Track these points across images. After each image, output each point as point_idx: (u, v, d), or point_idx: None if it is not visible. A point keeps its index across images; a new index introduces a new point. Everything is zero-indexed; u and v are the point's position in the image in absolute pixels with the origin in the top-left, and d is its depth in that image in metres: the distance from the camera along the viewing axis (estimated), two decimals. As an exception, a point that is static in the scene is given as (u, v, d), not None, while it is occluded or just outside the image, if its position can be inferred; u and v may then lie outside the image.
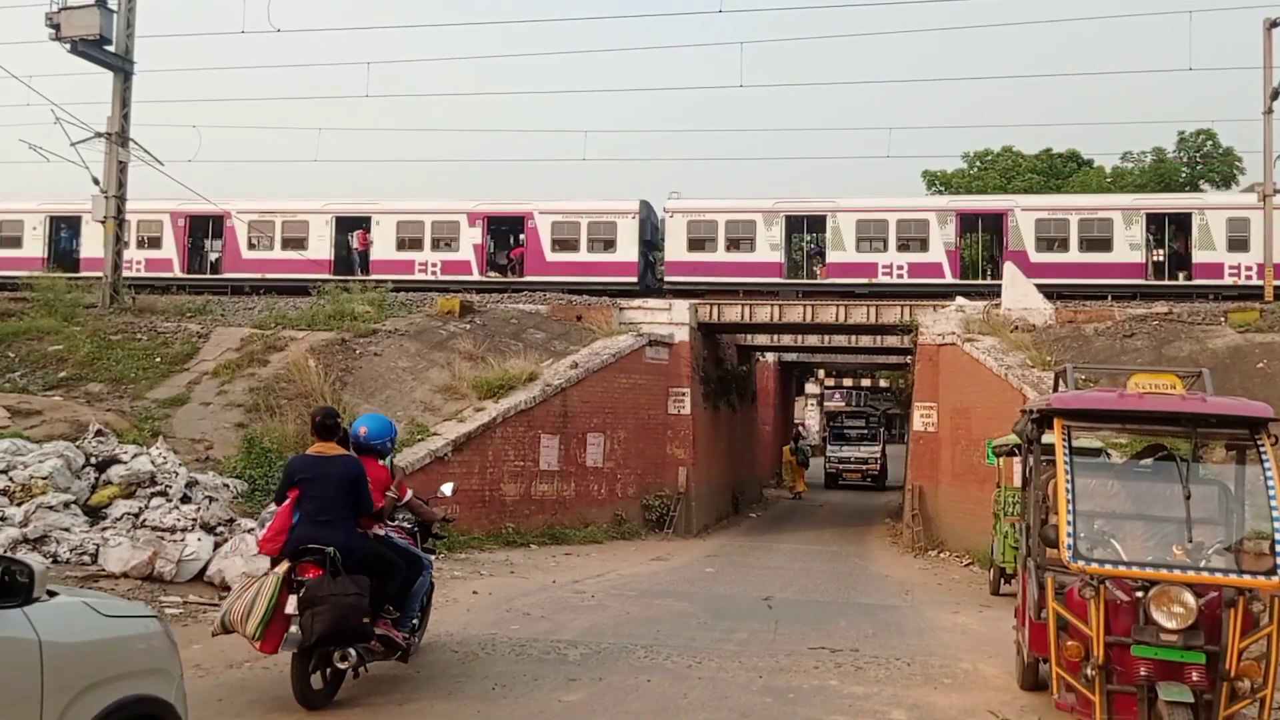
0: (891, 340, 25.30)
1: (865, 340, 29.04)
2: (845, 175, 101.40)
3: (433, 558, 8.19)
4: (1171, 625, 5.47)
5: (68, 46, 20.81)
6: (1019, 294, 21.05)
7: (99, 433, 13.39)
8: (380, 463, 7.60)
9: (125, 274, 24.80)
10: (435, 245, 27.95)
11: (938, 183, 51.40)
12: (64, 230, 30.12)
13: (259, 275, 27.97)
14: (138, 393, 17.73)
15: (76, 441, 13.15)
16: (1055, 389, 7.57)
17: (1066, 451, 5.96)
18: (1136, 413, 6.03)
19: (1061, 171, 50.23)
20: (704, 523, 22.86)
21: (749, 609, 11.65)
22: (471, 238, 27.76)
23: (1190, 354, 17.65)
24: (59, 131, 21.54)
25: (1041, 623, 6.28)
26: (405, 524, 7.82)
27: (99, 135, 22.31)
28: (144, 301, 22.96)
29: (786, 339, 29.74)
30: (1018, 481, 12.66)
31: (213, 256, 29.93)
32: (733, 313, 24.30)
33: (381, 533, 7.41)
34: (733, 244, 26.54)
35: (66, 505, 11.66)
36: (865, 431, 39.65)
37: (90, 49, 21.08)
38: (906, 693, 7.75)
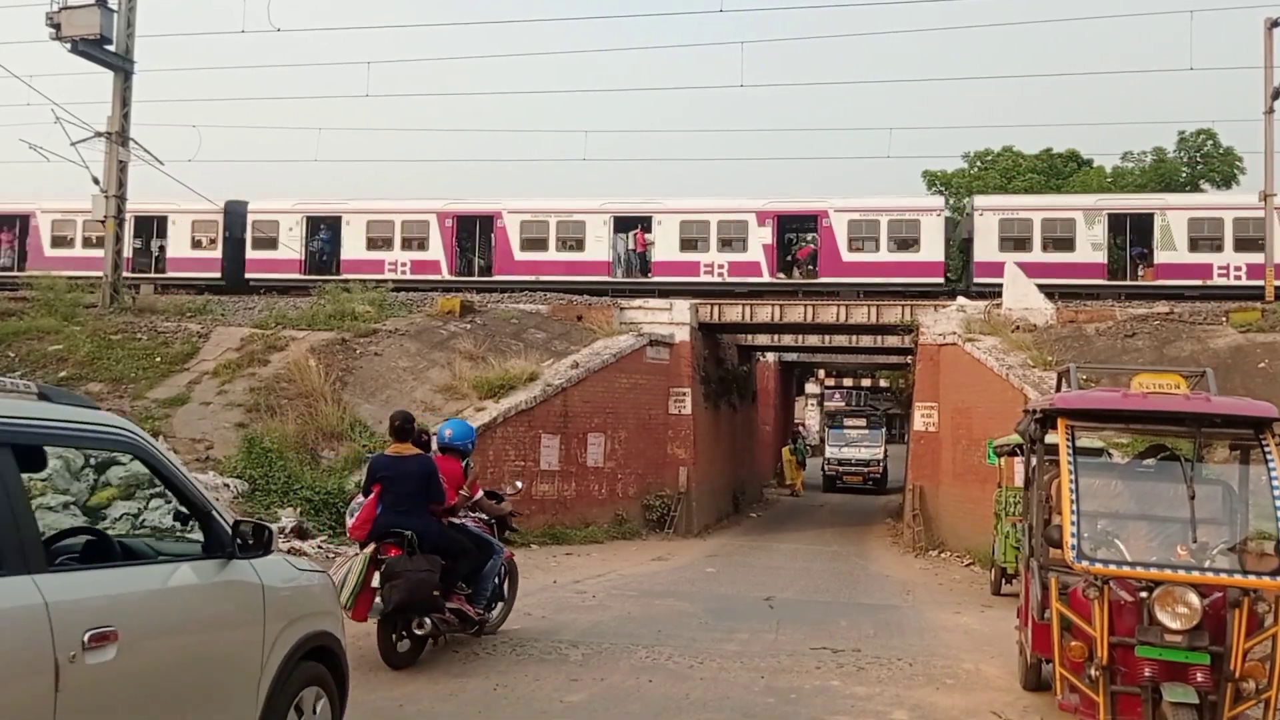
0: (893, 340, 25.30)
1: (866, 340, 29.03)
2: (845, 175, 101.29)
3: (507, 549, 9.08)
4: (1176, 626, 5.45)
5: (68, 46, 20.79)
6: (1020, 294, 21.04)
7: (99, 432, 13.36)
8: (461, 461, 8.75)
9: (391, 276, 25.94)
10: (722, 246, 26.65)
11: (938, 183, 51.36)
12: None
13: (533, 277, 27.01)
14: (138, 392, 17.72)
15: (76, 441, 13.15)
16: (1058, 389, 7.54)
17: (1070, 451, 5.94)
18: (1141, 413, 6.01)
19: (1062, 171, 50.21)
20: (704, 523, 22.84)
21: (750, 609, 11.62)
22: (761, 238, 26.45)
23: (1192, 354, 17.63)
24: (59, 131, 21.57)
25: (1045, 623, 6.25)
26: (483, 517, 8.85)
27: (99, 135, 22.31)
28: (144, 301, 22.96)
29: (787, 339, 29.70)
30: (1019, 481, 12.66)
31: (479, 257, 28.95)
32: (734, 313, 24.27)
33: (457, 521, 8.44)
34: (1050, 244, 25.66)
35: (65, 506, 11.66)
36: (866, 431, 37.96)
37: (90, 49, 21.06)
38: (909, 693, 7.73)
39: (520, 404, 18.09)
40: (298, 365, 18.11)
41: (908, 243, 25.96)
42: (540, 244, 27.37)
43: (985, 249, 25.45)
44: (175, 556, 4.62)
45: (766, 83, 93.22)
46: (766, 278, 26.35)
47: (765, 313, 24.33)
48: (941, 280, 25.95)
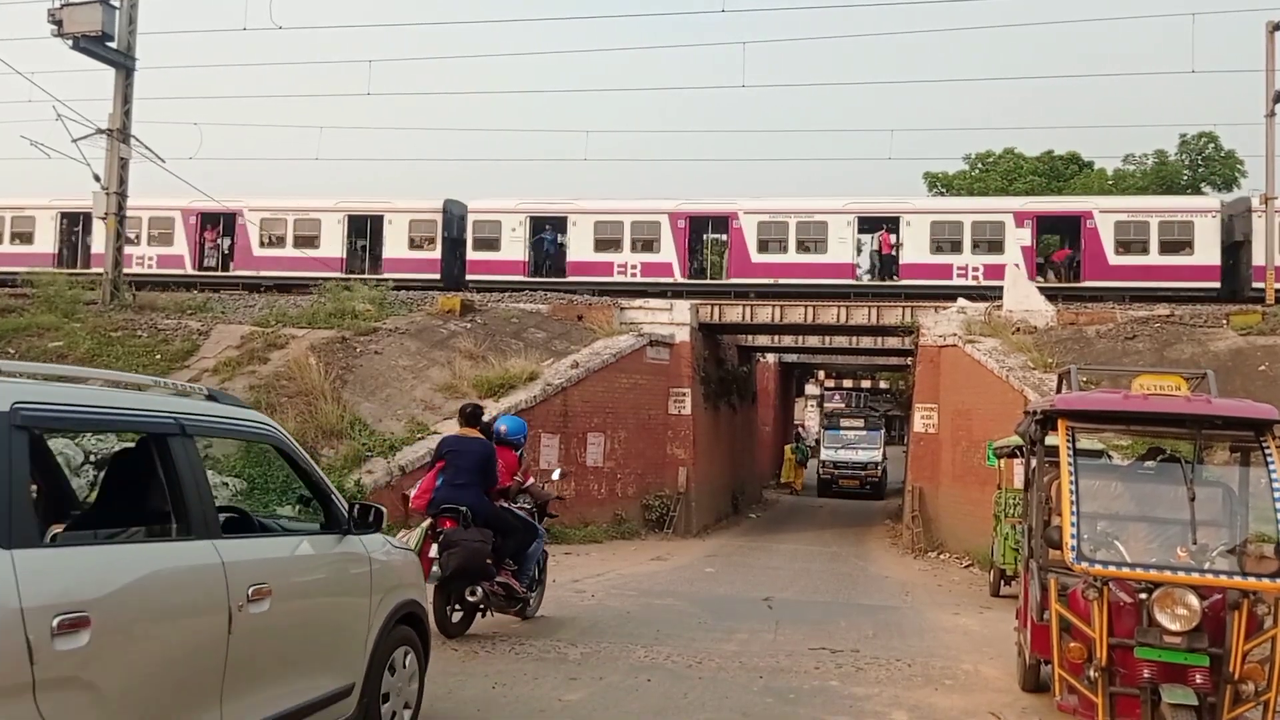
0: (893, 342, 25.30)
1: (866, 341, 29.04)
2: (844, 176, 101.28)
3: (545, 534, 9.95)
4: (1175, 627, 5.44)
5: (70, 43, 20.78)
6: (1020, 295, 21.04)
7: (99, 429, 13.36)
8: (514, 453, 9.67)
9: (620, 279, 26.21)
10: (976, 248, 25.83)
11: (939, 184, 51.40)
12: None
13: (770, 280, 26.38)
14: (137, 390, 17.70)
15: (76, 439, 13.13)
16: (1059, 391, 7.54)
17: (1070, 453, 5.93)
18: (1142, 414, 6.00)
19: (1063, 174, 50.22)
20: (704, 523, 22.85)
21: (749, 609, 11.62)
22: (1020, 239, 25.62)
23: (1192, 356, 17.62)
24: (61, 128, 21.56)
25: (1044, 624, 6.25)
26: (525, 505, 9.62)
27: (101, 131, 22.31)
28: (145, 298, 22.94)
29: (787, 340, 29.70)
30: (1018, 483, 12.65)
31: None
32: (734, 313, 24.28)
33: (504, 505, 9.22)
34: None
35: (65, 502, 11.63)
36: (864, 433, 36.21)
37: (92, 45, 21.06)
38: (908, 694, 7.73)
39: (520, 403, 18.06)
40: (298, 363, 18.09)
41: (1179, 245, 24.89)
42: (778, 246, 26.67)
43: None
44: (299, 532, 5.53)
45: (768, 83, 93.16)
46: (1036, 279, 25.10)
47: (765, 313, 24.34)
48: (1217, 285, 24.35)
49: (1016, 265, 22.77)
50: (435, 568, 8.25)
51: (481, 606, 8.74)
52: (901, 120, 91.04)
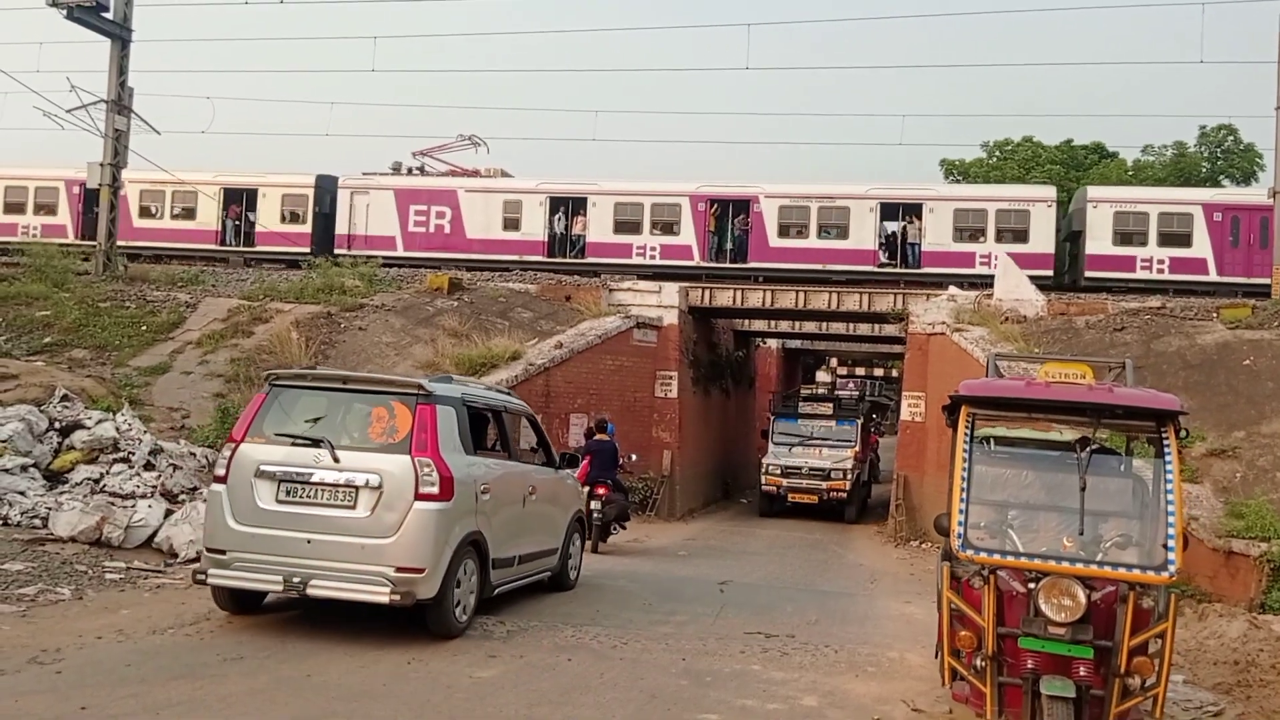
0: (890, 330, 25.09)
1: (864, 329, 28.81)
2: (854, 162, 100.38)
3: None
4: (1059, 618, 5.33)
5: (64, 12, 20.84)
6: (1011, 284, 20.79)
7: (65, 397, 13.45)
8: (614, 444, 15.48)
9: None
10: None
11: (955, 172, 50.92)
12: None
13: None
14: (120, 360, 17.82)
15: (43, 406, 13.22)
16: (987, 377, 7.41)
17: (966, 439, 5.83)
18: (1041, 402, 5.88)
19: (1083, 163, 49.61)
20: (689, 506, 22.77)
21: (700, 592, 11.57)
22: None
23: (1179, 349, 17.37)
24: (72, 100, 21.75)
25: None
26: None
27: (102, 101, 22.42)
28: (136, 270, 23.07)
29: (784, 325, 29.51)
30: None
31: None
32: (724, 297, 24.10)
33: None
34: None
35: (24, 469, 11.72)
36: (833, 425, 24.33)
37: (87, 15, 21.13)
38: (826, 680, 7.67)
39: (501, 382, 18.03)
40: (279, 337, 18.16)
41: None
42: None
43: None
44: (541, 466, 10.43)
45: (774, 65, 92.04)
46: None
47: (756, 298, 24.16)
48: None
49: (1007, 254, 22.47)
50: (596, 516, 14.22)
51: (614, 530, 15.06)
52: (915, 106, 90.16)
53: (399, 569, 7.70)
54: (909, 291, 23.89)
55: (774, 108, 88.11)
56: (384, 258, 26.54)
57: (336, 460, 7.89)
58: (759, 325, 29.53)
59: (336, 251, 27.44)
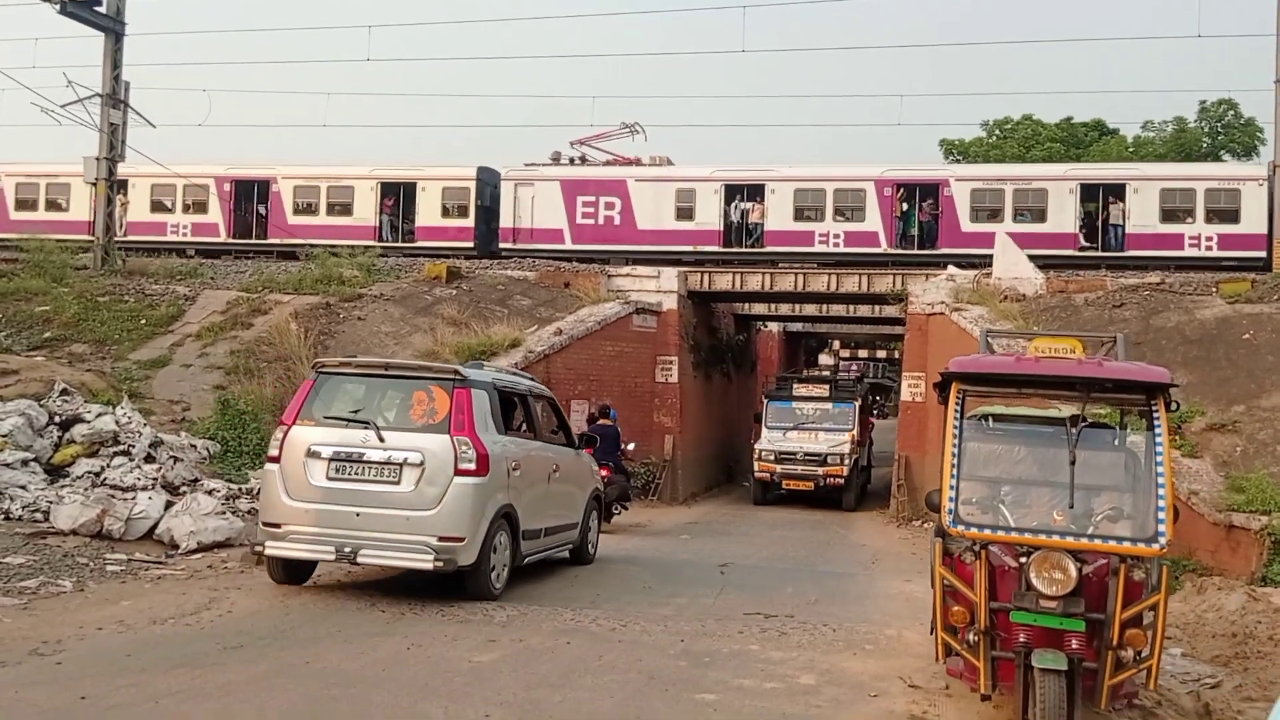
0: (891, 311, 25.01)
1: (864, 310, 28.78)
2: (853, 143, 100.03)
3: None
4: (1050, 591, 5.35)
5: (57, 7, 20.79)
6: (1010, 263, 20.75)
7: (64, 391, 13.50)
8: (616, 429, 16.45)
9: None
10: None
11: (955, 152, 50.75)
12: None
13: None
14: (120, 354, 17.86)
15: (43, 400, 13.26)
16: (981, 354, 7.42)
17: (957, 416, 5.84)
18: (1030, 377, 5.89)
19: (1083, 141, 49.44)
20: (691, 490, 22.82)
21: (700, 574, 11.61)
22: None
23: (1178, 324, 17.36)
24: (67, 95, 21.73)
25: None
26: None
27: (96, 95, 22.39)
28: (135, 263, 23.08)
29: (784, 308, 29.48)
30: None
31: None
32: (724, 281, 24.08)
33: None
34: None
35: (25, 463, 11.76)
36: (830, 408, 23.38)
37: (79, 9, 21.09)
38: (824, 658, 7.69)
39: (501, 370, 18.06)
40: (278, 328, 18.19)
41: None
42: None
43: None
44: (562, 446, 10.99)
45: (769, 48, 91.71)
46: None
47: (756, 281, 24.13)
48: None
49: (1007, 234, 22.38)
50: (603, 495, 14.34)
51: (616, 511, 15.50)
52: (912, 85, 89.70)
53: (441, 538, 8.46)
54: (908, 272, 23.70)
55: (770, 90, 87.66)
56: (551, 252, 26.13)
57: (382, 440, 8.62)
58: (760, 308, 29.49)
59: (501, 246, 26.87)
